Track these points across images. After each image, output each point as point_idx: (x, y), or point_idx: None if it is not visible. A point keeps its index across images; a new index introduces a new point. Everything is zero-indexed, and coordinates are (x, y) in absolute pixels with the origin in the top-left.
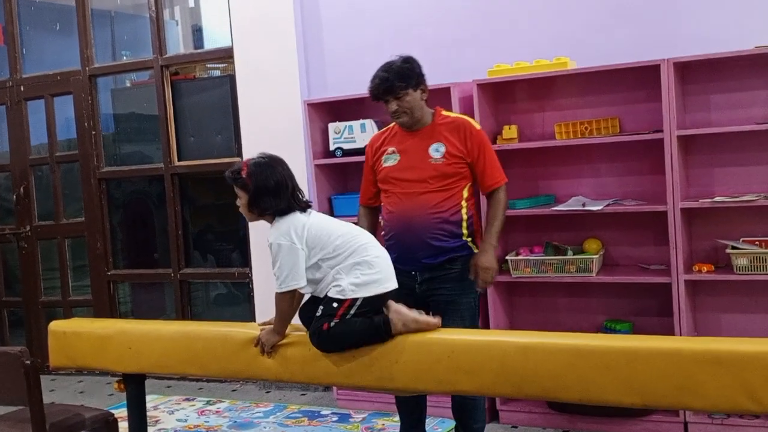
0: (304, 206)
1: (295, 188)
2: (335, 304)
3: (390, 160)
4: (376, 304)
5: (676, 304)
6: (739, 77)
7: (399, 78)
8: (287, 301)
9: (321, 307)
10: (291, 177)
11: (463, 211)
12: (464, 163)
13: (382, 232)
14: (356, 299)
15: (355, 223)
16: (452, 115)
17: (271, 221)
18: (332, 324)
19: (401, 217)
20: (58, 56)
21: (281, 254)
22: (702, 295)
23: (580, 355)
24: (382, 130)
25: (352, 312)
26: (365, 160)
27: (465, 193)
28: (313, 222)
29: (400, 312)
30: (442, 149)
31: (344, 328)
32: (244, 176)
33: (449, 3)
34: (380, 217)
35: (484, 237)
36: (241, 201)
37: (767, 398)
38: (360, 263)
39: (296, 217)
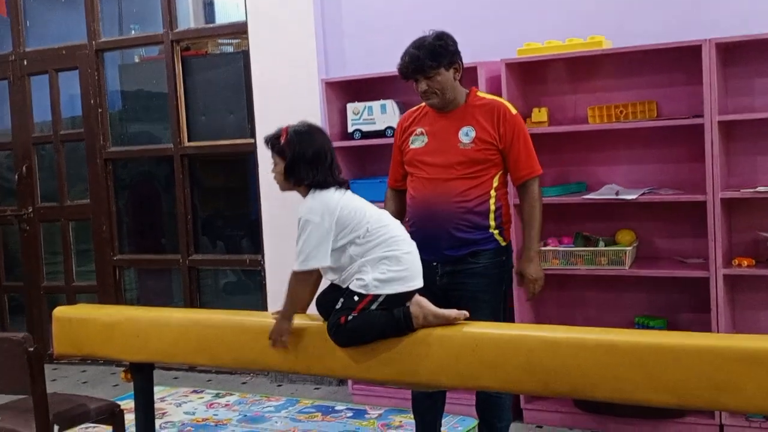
0: (341, 183)
1: (333, 162)
2: (356, 298)
3: (417, 142)
4: (399, 301)
5: (713, 300)
6: None
7: (430, 56)
8: (303, 282)
9: (341, 300)
10: (331, 150)
11: (492, 201)
12: (495, 150)
13: (407, 218)
14: (379, 295)
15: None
16: (488, 97)
17: (305, 194)
18: (350, 318)
19: (424, 204)
20: (64, 29)
21: (308, 230)
22: (741, 291)
23: (611, 351)
24: (413, 108)
25: (372, 307)
26: (394, 140)
27: (495, 182)
28: (348, 202)
29: (422, 305)
30: (472, 134)
31: (363, 322)
32: (282, 143)
33: None
34: None
35: (526, 242)
36: (277, 169)
37: None
38: (388, 257)
39: (331, 194)
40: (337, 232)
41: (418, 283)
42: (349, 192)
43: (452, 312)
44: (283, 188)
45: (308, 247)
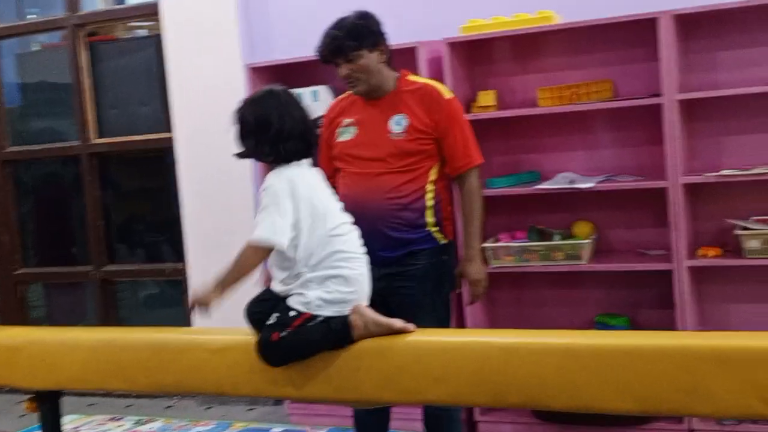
0: (297, 156)
1: (286, 132)
2: (292, 314)
3: (345, 134)
4: (338, 321)
5: (678, 294)
6: (750, 31)
7: (350, 36)
8: (259, 256)
9: (276, 314)
10: (284, 116)
11: (428, 196)
12: (430, 140)
13: None
14: (317, 316)
15: None
16: (420, 80)
17: (272, 165)
18: (283, 334)
19: (354, 202)
20: None
21: (268, 202)
22: (708, 284)
23: (569, 356)
24: (340, 97)
25: (309, 325)
26: (321, 133)
27: (432, 175)
28: (313, 185)
29: (362, 313)
30: (404, 122)
31: (297, 338)
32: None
33: None
34: None
35: (466, 240)
36: None
37: None
38: (336, 277)
39: (293, 170)
40: (294, 216)
41: (364, 304)
42: (315, 172)
43: (397, 322)
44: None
45: (270, 218)
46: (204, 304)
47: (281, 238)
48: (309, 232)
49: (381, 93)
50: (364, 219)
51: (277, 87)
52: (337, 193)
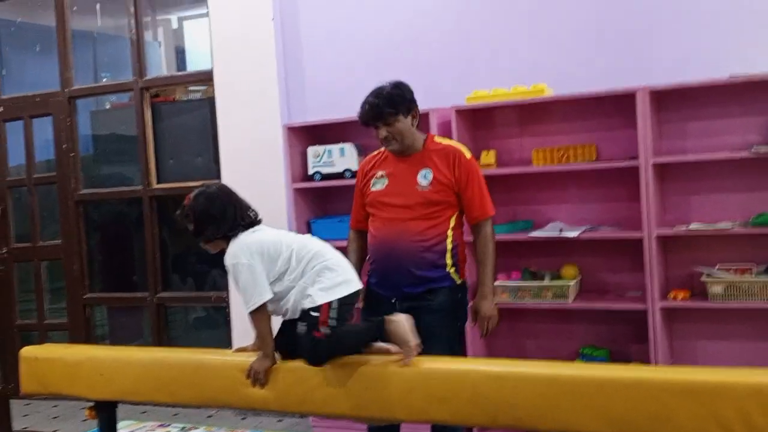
0: (248, 225)
1: (237, 211)
2: (314, 313)
3: (378, 184)
4: (351, 305)
5: (651, 331)
6: (715, 105)
7: (388, 104)
8: (263, 318)
9: (302, 324)
10: (232, 203)
11: (449, 240)
12: (451, 192)
13: (368, 257)
14: (331, 302)
15: (344, 248)
16: (444, 142)
17: (226, 245)
18: (324, 330)
19: (383, 243)
20: (38, 77)
21: (241, 272)
22: (678, 322)
23: (552, 384)
24: (374, 153)
25: (333, 315)
26: (356, 183)
27: (452, 222)
28: (264, 237)
29: (398, 319)
30: (430, 176)
31: (339, 331)
32: (186, 210)
33: (430, 30)
34: None
35: (481, 280)
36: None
37: (741, 431)
38: (321, 270)
39: (246, 236)
40: (266, 265)
41: (358, 284)
42: (263, 227)
43: (393, 346)
44: (210, 250)
45: (249, 286)
46: (260, 371)
47: (267, 294)
48: (287, 264)
49: (411, 151)
50: (392, 258)
51: (213, 183)
52: (369, 234)
